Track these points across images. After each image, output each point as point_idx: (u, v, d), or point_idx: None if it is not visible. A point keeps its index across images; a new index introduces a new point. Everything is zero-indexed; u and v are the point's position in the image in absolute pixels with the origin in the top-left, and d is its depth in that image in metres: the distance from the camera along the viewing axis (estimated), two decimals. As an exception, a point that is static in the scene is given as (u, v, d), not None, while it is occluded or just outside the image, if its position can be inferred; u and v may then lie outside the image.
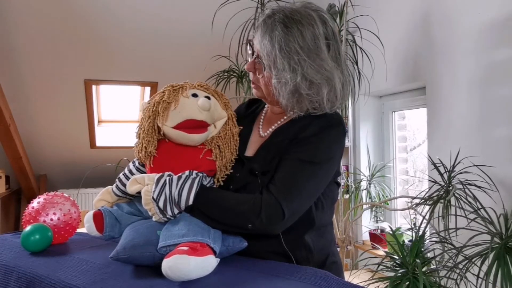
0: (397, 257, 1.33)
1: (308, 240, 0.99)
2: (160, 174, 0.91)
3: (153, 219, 0.90)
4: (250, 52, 1.03)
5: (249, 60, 1.03)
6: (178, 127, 0.93)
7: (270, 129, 1.05)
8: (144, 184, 0.90)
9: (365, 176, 2.83)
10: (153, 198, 0.88)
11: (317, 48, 0.94)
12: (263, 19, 0.97)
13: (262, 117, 1.11)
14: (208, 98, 0.96)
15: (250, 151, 1.05)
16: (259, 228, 0.88)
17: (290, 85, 0.93)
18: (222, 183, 0.99)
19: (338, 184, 1.08)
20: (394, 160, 2.86)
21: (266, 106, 1.13)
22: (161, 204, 0.88)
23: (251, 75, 1.04)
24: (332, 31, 0.97)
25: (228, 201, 0.92)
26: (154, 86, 3.39)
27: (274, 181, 0.92)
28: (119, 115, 3.79)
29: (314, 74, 0.93)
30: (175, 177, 0.90)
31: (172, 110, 0.93)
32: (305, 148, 0.94)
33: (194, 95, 0.95)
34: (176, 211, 0.89)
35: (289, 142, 0.97)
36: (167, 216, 0.89)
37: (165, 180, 0.89)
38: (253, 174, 0.97)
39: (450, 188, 1.56)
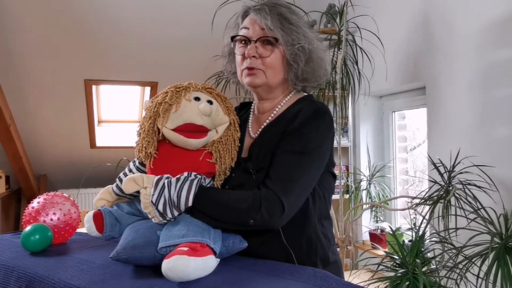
0: (397, 257, 1.33)
1: (307, 233, 1.00)
2: (159, 176, 0.91)
3: (153, 221, 0.90)
4: (243, 41, 1.05)
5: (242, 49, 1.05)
6: (177, 129, 0.92)
7: (260, 129, 1.07)
8: (142, 185, 0.90)
9: (365, 176, 2.83)
10: (152, 202, 0.88)
11: (305, 24, 1.06)
12: (259, 7, 1.03)
13: (250, 120, 1.14)
14: (211, 102, 0.96)
15: (244, 153, 1.06)
16: (260, 223, 0.89)
17: (307, 51, 1.02)
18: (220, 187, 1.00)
19: (334, 175, 1.09)
20: (394, 160, 2.86)
21: (252, 108, 1.16)
22: (160, 207, 0.88)
23: (246, 62, 1.03)
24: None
25: (228, 199, 0.92)
26: (154, 86, 3.38)
27: (269, 176, 0.93)
28: (119, 115, 3.79)
29: (317, 42, 1.06)
30: (173, 180, 0.90)
31: (172, 113, 0.92)
32: (296, 140, 0.96)
33: (197, 99, 0.94)
34: (176, 213, 0.89)
35: (279, 137, 0.98)
36: (167, 219, 0.89)
37: (164, 183, 0.89)
38: (248, 172, 0.99)
39: (450, 188, 1.57)
